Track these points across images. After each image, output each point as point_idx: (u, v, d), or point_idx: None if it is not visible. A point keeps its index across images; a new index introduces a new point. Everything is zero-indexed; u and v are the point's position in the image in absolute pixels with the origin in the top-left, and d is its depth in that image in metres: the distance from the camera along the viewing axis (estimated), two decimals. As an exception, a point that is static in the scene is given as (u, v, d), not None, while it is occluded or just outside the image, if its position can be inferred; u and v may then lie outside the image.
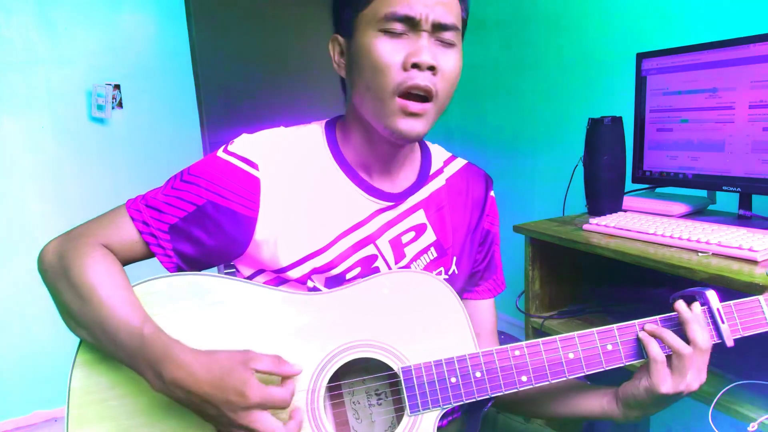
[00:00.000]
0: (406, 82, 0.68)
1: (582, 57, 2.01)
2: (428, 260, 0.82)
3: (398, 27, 0.69)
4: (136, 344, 0.64)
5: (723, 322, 0.72)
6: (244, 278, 0.78)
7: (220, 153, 0.75)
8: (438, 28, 0.70)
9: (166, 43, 2.26)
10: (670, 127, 1.29)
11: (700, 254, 1.00)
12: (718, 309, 0.72)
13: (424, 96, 0.70)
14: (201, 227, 0.73)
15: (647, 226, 1.13)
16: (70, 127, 2.11)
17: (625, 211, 1.33)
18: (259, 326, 0.71)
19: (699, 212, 1.31)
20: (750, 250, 0.94)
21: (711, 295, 0.73)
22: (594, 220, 1.24)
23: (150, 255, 0.73)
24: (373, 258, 0.79)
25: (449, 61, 0.71)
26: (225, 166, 0.74)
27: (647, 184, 1.39)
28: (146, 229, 0.71)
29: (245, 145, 0.75)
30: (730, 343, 0.72)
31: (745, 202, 1.19)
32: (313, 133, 0.81)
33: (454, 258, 0.85)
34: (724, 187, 1.20)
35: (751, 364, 0.94)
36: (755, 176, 1.14)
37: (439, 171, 0.87)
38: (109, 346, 0.66)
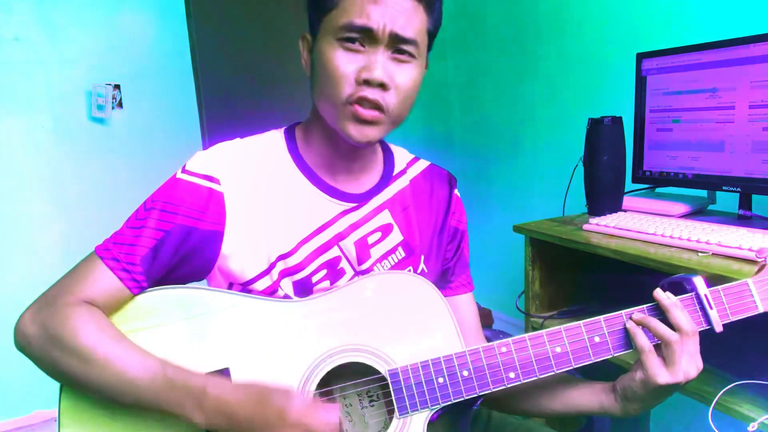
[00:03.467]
0: (356, 94, 0.70)
1: (582, 57, 2.01)
2: (396, 260, 0.83)
3: (354, 36, 0.69)
4: (161, 386, 0.64)
5: (711, 308, 0.72)
6: None
7: (179, 174, 0.74)
8: (396, 40, 0.70)
9: (166, 43, 2.26)
10: (670, 127, 1.29)
11: (700, 254, 1.00)
12: (705, 295, 0.72)
13: (375, 107, 0.71)
14: (172, 253, 0.72)
15: (647, 226, 1.13)
16: (70, 127, 2.11)
17: (625, 211, 1.33)
18: (246, 335, 0.71)
19: (699, 212, 1.31)
20: (750, 250, 0.94)
21: (698, 281, 0.73)
22: (594, 220, 1.23)
23: (130, 296, 0.70)
24: (337, 260, 0.79)
25: (403, 76, 0.72)
26: (186, 186, 0.73)
27: (647, 184, 1.39)
28: (117, 266, 0.69)
29: (203, 161, 0.75)
30: (719, 328, 0.72)
31: (745, 202, 1.19)
32: (272, 139, 0.81)
33: (422, 257, 0.85)
34: (724, 187, 1.20)
35: (751, 364, 0.94)
36: (755, 176, 1.14)
37: (402, 172, 0.87)
38: (126, 398, 0.65)
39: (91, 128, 2.15)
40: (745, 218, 1.19)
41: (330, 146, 0.79)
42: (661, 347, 0.70)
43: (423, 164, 0.91)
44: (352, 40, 0.70)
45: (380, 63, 0.70)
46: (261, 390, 0.64)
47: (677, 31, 1.66)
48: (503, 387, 0.72)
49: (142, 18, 2.20)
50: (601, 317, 0.74)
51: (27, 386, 2.09)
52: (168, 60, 2.27)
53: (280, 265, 0.76)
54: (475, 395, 0.72)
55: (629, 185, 1.39)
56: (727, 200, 1.29)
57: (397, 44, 0.71)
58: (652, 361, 0.70)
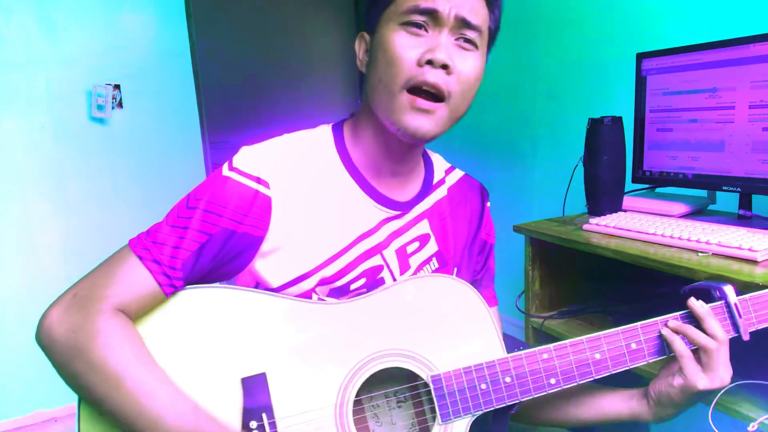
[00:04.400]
0: (417, 77, 0.67)
1: (582, 57, 2.01)
2: (430, 271, 0.82)
3: (419, 19, 0.67)
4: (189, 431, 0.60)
5: (740, 317, 0.73)
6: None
7: (226, 171, 0.70)
8: (461, 25, 0.68)
9: (166, 43, 2.26)
10: (670, 127, 1.29)
11: (700, 254, 1.00)
12: (735, 304, 0.73)
13: (435, 95, 0.69)
14: (212, 256, 0.68)
15: (647, 226, 1.13)
16: (70, 127, 2.11)
17: (625, 211, 1.33)
18: (280, 339, 0.69)
19: (699, 212, 1.31)
20: (750, 250, 0.94)
21: (729, 290, 0.74)
22: (594, 220, 1.23)
23: (164, 299, 0.66)
24: (378, 269, 0.77)
25: (467, 63, 0.70)
26: (234, 186, 0.69)
27: (647, 184, 1.39)
28: (157, 269, 0.65)
29: (252, 160, 0.71)
30: (746, 336, 0.73)
31: (745, 202, 1.19)
32: (321, 136, 0.78)
33: (455, 269, 0.84)
34: (724, 187, 1.20)
35: (751, 364, 0.94)
36: (755, 176, 1.14)
37: (441, 181, 0.86)
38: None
39: (91, 128, 2.15)
40: (745, 218, 1.19)
41: (379, 145, 0.76)
42: (698, 354, 0.71)
43: (458, 174, 0.90)
44: (417, 25, 0.68)
45: (444, 45, 0.67)
46: None
47: (677, 31, 1.66)
48: (544, 393, 0.71)
49: (142, 18, 2.20)
50: (638, 324, 0.74)
51: (27, 386, 2.09)
52: (168, 60, 2.27)
53: (319, 275, 0.73)
54: (517, 401, 0.71)
55: (629, 185, 1.39)
56: (727, 200, 1.29)
57: (462, 29, 0.69)
58: (692, 368, 0.71)
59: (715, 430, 0.84)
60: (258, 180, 0.70)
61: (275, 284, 0.73)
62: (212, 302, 0.68)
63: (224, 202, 0.68)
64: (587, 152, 1.33)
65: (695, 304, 0.73)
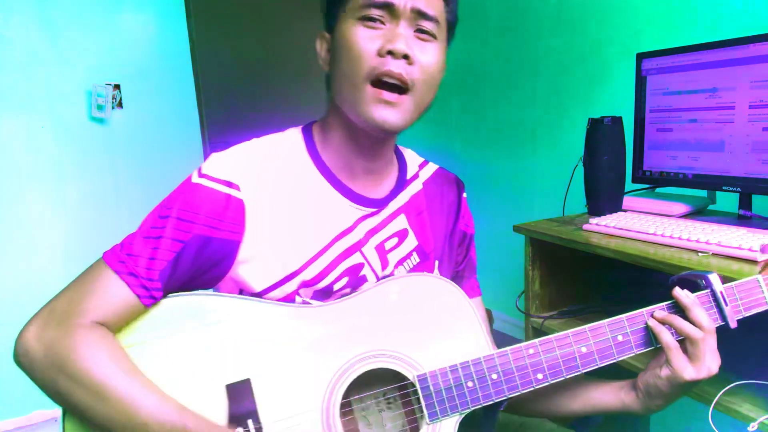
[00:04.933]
0: (379, 68, 0.68)
1: (582, 57, 2.01)
2: (411, 266, 0.82)
3: (376, 13, 0.69)
4: None
5: (726, 305, 0.73)
6: None
7: (196, 178, 0.70)
8: (417, 15, 0.69)
9: (166, 43, 2.26)
10: (670, 127, 1.29)
11: (700, 254, 1.00)
12: (721, 291, 0.73)
13: (399, 86, 0.69)
14: (190, 264, 0.68)
15: (647, 226, 1.13)
16: (70, 127, 2.11)
17: (625, 211, 1.33)
18: (264, 345, 0.68)
19: (699, 212, 1.31)
20: (750, 250, 0.94)
21: (714, 278, 0.74)
22: (594, 220, 1.23)
23: (144, 310, 0.66)
24: (359, 266, 0.77)
25: (427, 53, 0.71)
26: (205, 192, 0.69)
27: (647, 184, 1.39)
28: (134, 282, 0.64)
29: (221, 165, 0.71)
30: (733, 324, 0.73)
31: (745, 202, 1.19)
32: (291, 139, 0.78)
33: (437, 262, 0.84)
34: (724, 187, 1.20)
35: (751, 364, 0.94)
36: (755, 176, 1.14)
37: (416, 176, 0.86)
38: None
39: (91, 128, 2.15)
40: (745, 218, 1.18)
41: (349, 143, 0.76)
42: (685, 344, 0.71)
43: (432, 167, 0.90)
44: (373, 19, 0.69)
45: (403, 36, 0.68)
46: None
47: (677, 31, 1.66)
48: (532, 388, 0.71)
49: (142, 18, 2.20)
50: (623, 316, 0.74)
51: (27, 386, 2.08)
52: (168, 60, 2.27)
53: (299, 278, 0.73)
54: (504, 398, 0.71)
55: (629, 185, 1.39)
56: (727, 200, 1.29)
57: (418, 21, 0.70)
58: (679, 358, 0.70)
59: (715, 430, 0.84)
60: (228, 184, 0.70)
61: (257, 289, 0.72)
62: (195, 310, 0.67)
63: (196, 208, 0.68)
64: (587, 152, 1.33)
65: (680, 293, 0.72)
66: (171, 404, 0.62)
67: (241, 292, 0.74)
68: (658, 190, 1.46)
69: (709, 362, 0.70)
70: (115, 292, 0.64)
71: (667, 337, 0.71)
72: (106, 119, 2.16)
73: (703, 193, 1.34)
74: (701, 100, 1.21)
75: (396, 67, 0.68)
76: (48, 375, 0.62)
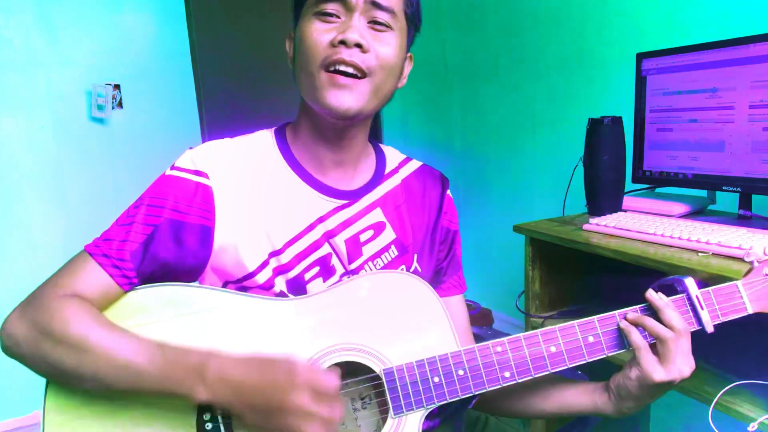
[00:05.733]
0: (332, 56, 0.70)
1: (582, 57, 2.01)
2: (389, 258, 0.82)
3: (330, 8, 0.71)
4: (159, 367, 0.63)
5: (702, 308, 0.72)
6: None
7: (168, 171, 0.75)
8: (371, 7, 0.71)
9: (166, 43, 2.26)
10: (670, 127, 1.29)
11: (700, 254, 1.00)
12: (696, 296, 0.73)
13: (354, 74, 0.71)
14: (162, 247, 0.71)
15: (647, 226, 1.13)
16: (70, 127, 2.11)
17: (625, 211, 1.33)
18: (238, 333, 0.70)
19: (699, 212, 1.31)
20: (750, 249, 0.94)
21: (689, 282, 0.73)
22: (594, 220, 1.24)
23: (120, 293, 0.69)
24: (328, 257, 0.78)
25: (382, 44, 0.73)
26: (175, 181, 0.73)
27: (647, 184, 1.39)
28: (107, 262, 0.68)
29: (192, 157, 0.75)
30: (710, 328, 0.72)
31: (745, 202, 1.19)
32: (262, 138, 0.81)
33: (415, 256, 0.85)
34: (724, 187, 1.20)
35: (751, 364, 0.94)
36: (755, 176, 1.14)
37: (394, 171, 0.87)
38: (123, 383, 0.64)
39: (91, 128, 2.15)
40: (745, 218, 1.19)
41: (315, 135, 0.78)
42: (656, 346, 0.71)
43: (415, 164, 0.91)
44: (328, 14, 0.71)
45: (356, 26, 0.71)
46: (264, 358, 0.64)
47: (677, 31, 1.66)
48: (499, 386, 0.72)
49: (142, 18, 2.21)
50: (595, 317, 0.74)
51: (27, 386, 2.09)
52: (168, 60, 2.27)
53: (273, 263, 0.75)
54: (471, 394, 0.72)
55: (629, 185, 1.39)
56: (727, 200, 1.29)
57: (372, 12, 0.72)
58: (648, 359, 0.70)
59: (715, 430, 0.84)
60: (197, 173, 0.74)
61: (237, 275, 0.75)
62: (174, 299, 0.70)
63: (165, 195, 0.72)
64: (587, 152, 1.33)
65: (653, 296, 0.72)
66: (149, 342, 0.65)
67: (225, 284, 0.76)
68: (658, 190, 1.46)
69: (680, 364, 0.69)
70: (90, 273, 0.68)
71: (636, 336, 0.71)
72: (106, 119, 2.16)
73: (703, 193, 1.34)
74: (701, 100, 1.21)
75: (348, 55, 0.70)
76: (33, 348, 0.65)
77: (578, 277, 1.39)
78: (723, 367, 0.97)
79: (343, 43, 0.70)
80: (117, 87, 2.15)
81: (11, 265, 2.06)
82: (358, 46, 0.70)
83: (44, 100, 2.06)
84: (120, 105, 2.17)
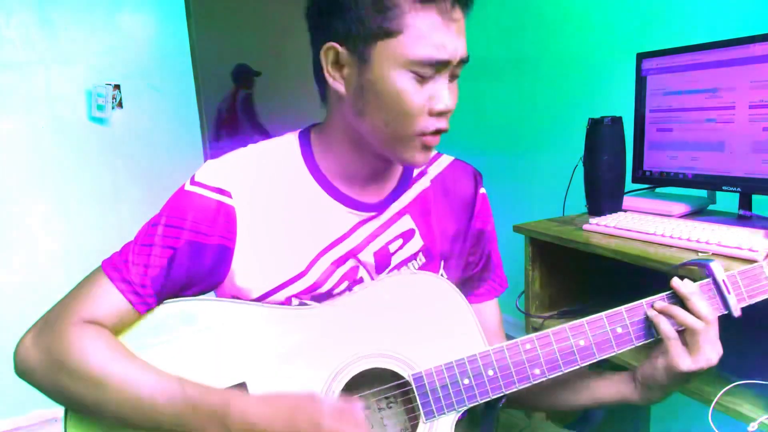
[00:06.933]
0: (430, 128, 0.68)
1: (582, 57, 2.01)
2: (417, 266, 0.81)
3: (430, 72, 0.66)
4: (181, 408, 0.62)
5: (729, 293, 0.71)
6: None
7: (188, 186, 0.70)
8: (461, 63, 0.69)
9: (166, 43, 2.26)
10: (670, 127, 1.29)
11: (700, 254, 1.00)
12: (723, 280, 0.72)
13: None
14: (182, 270, 0.68)
15: (647, 226, 1.13)
16: (70, 127, 2.11)
17: (625, 211, 1.33)
18: (261, 346, 0.69)
19: (699, 212, 1.31)
20: (750, 250, 0.94)
21: (716, 266, 0.72)
22: (594, 220, 1.23)
23: (138, 316, 0.67)
24: (355, 270, 0.77)
25: (456, 95, 0.71)
26: (196, 199, 0.69)
27: (647, 184, 1.39)
28: (128, 288, 0.66)
29: (213, 172, 0.71)
30: (737, 312, 0.72)
31: (745, 202, 1.19)
32: (287, 145, 0.77)
33: (442, 262, 0.83)
34: (724, 187, 1.20)
35: (751, 364, 0.94)
36: (755, 176, 1.14)
37: (423, 172, 0.84)
38: (143, 422, 0.63)
39: (91, 128, 2.15)
40: (745, 218, 1.18)
41: (355, 158, 0.75)
42: (684, 334, 0.70)
43: (446, 160, 0.88)
44: (426, 74, 0.66)
45: (447, 89, 0.68)
46: (287, 402, 0.63)
47: (677, 31, 1.66)
48: (529, 384, 0.71)
49: (142, 18, 2.20)
50: (622, 307, 0.73)
51: (27, 386, 2.09)
52: (168, 60, 2.27)
53: (296, 286, 0.73)
54: (501, 394, 0.71)
55: (629, 185, 1.38)
56: (727, 200, 1.29)
57: (456, 68, 0.69)
58: (677, 349, 0.69)
59: (715, 430, 0.84)
60: (219, 191, 0.70)
61: (247, 299, 0.73)
62: (191, 315, 0.69)
63: (183, 215, 0.69)
64: (587, 152, 1.33)
65: (679, 283, 0.71)
66: (169, 378, 0.63)
67: (237, 298, 0.74)
68: (658, 190, 1.46)
69: (709, 353, 0.69)
70: (108, 298, 0.66)
71: (665, 326, 0.70)
72: (106, 119, 2.16)
73: (703, 193, 1.34)
74: (701, 100, 1.21)
75: (443, 123, 0.69)
76: (49, 378, 0.63)
77: (578, 277, 1.39)
78: (723, 367, 0.97)
79: (441, 113, 0.68)
80: (117, 87, 2.15)
81: (11, 264, 2.05)
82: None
83: (44, 100, 2.06)
84: (120, 105, 2.17)
